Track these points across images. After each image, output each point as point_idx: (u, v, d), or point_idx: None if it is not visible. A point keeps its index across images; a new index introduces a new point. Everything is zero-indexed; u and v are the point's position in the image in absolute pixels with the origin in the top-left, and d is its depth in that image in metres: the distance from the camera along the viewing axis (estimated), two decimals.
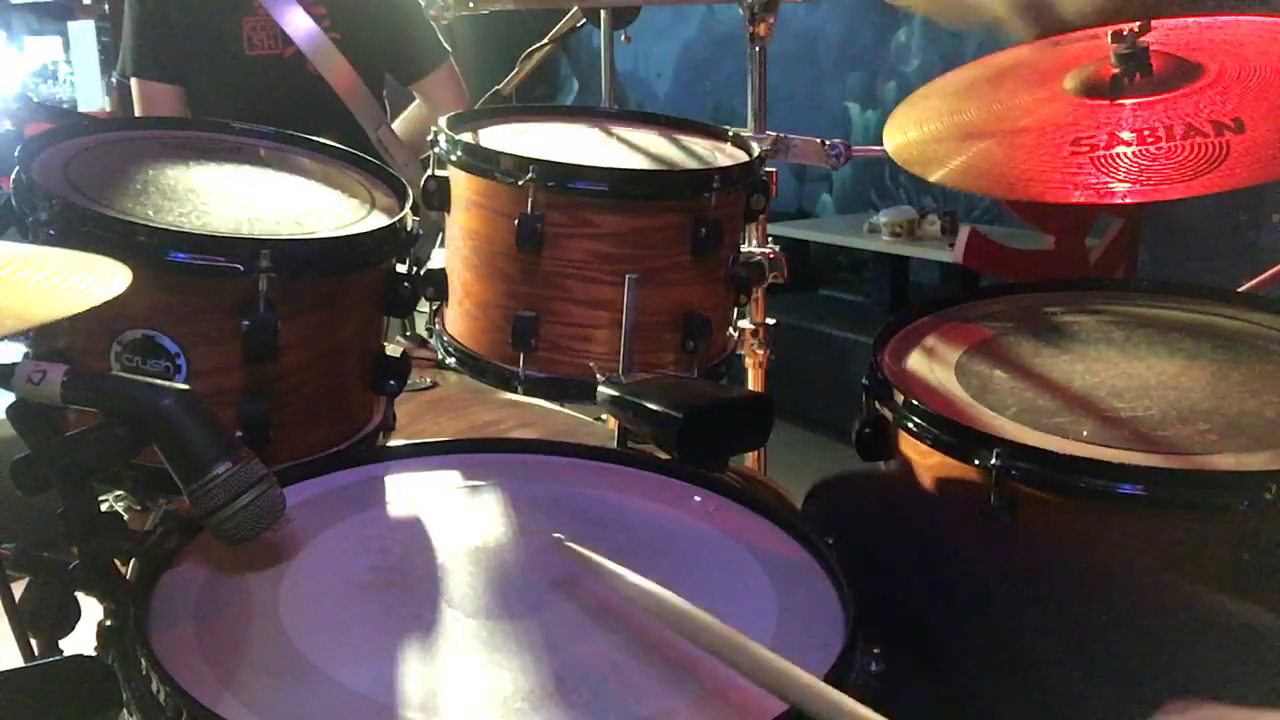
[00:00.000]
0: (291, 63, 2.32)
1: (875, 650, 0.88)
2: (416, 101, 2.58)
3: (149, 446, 0.91)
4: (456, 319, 1.54)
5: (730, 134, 1.67)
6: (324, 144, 1.54)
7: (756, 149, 1.58)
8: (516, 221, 1.39)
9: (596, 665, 0.87)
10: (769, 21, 2.00)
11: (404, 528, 1.11)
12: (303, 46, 2.27)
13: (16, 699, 0.84)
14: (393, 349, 1.39)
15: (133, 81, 2.40)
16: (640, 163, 1.56)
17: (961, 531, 1.22)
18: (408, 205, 1.37)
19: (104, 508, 0.94)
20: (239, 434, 1.18)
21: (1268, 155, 1.32)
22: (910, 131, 1.61)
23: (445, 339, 1.57)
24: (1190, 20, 1.59)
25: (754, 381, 2.12)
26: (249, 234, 1.24)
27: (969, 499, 1.22)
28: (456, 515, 1.13)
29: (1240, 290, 1.73)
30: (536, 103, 2.86)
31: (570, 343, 1.45)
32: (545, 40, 2.33)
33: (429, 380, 1.90)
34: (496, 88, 2.34)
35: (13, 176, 1.21)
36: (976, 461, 1.21)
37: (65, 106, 5.74)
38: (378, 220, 1.35)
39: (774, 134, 1.99)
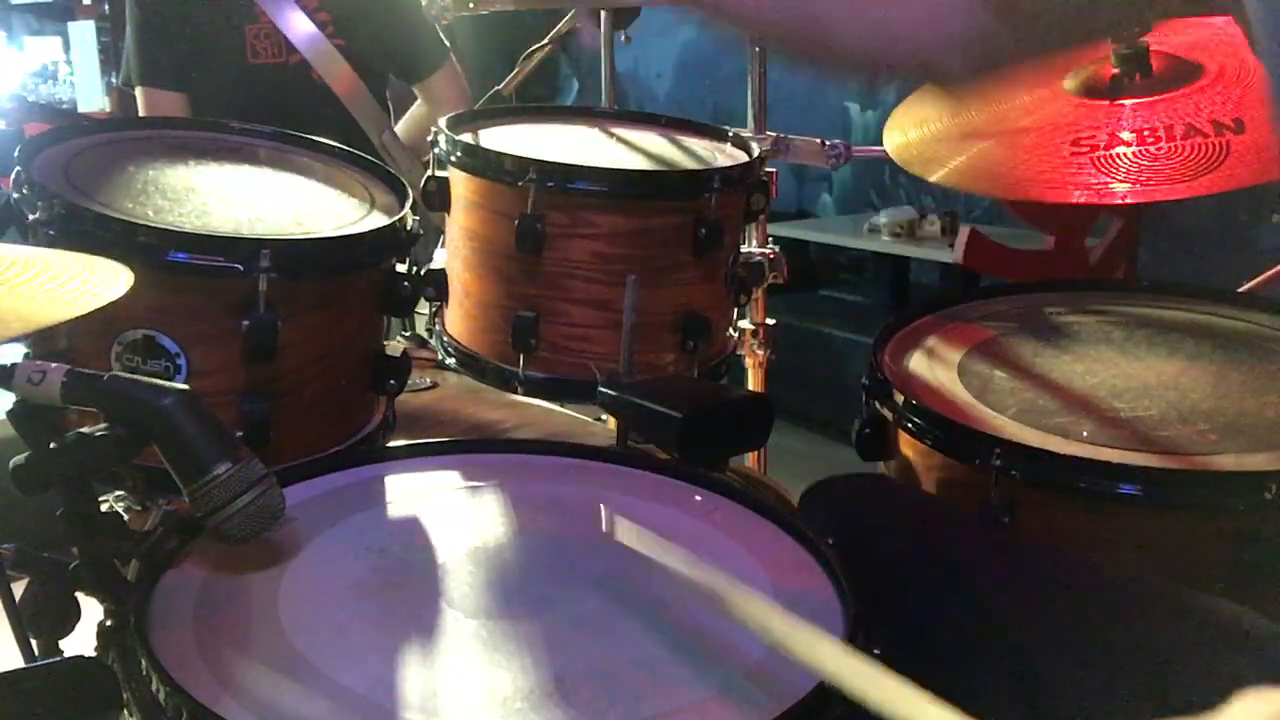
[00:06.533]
0: (295, 70, 2.32)
1: (875, 650, 0.88)
2: (418, 101, 2.58)
3: (149, 446, 0.91)
4: (456, 319, 1.54)
5: (730, 134, 1.67)
6: (324, 144, 1.54)
7: (756, 149, 1.58)
8: (516, 222, 1.39)
9: (596, 665, 0.87)
10: None
11: (404, 528, 1.11)
12: (306, 53, 2.27)
13: (16, 699, 0.83)
14: (393, 349, 1.39)
15: (138, 90, 2.41)
16: (640, 163, 1.56)
17: (961, 531, 1.22)
18: (408, 205, 1.37)
19: (104, 508, 0.94)
20: (239, 434, 1.18)
21: (1268, 155, 1.32)
22: (910, 131, 1.61)
23: (445, 339, 1.56)
24: (1190, 20, 1.59)
25: (754, 381, 2.12)
26: (249, 234, 1.24)
27: (969, 499, 1.22)
28: (456, 515, 1.13)
29: (1240, 290, 1.73)
30: (536, 103, 2.86)
31: (570, 343, 1.45)
32: (545, 40, 2.33)
33: (429, 380, 1.90)
34: (496, 88, 2.34)
35: (13, 176, 1.21)
36: (977, 462, 1.21)
37: (64, 106, 5.74)
38: (377, 220, 1.35)
39: (774, 134, 1.99)
